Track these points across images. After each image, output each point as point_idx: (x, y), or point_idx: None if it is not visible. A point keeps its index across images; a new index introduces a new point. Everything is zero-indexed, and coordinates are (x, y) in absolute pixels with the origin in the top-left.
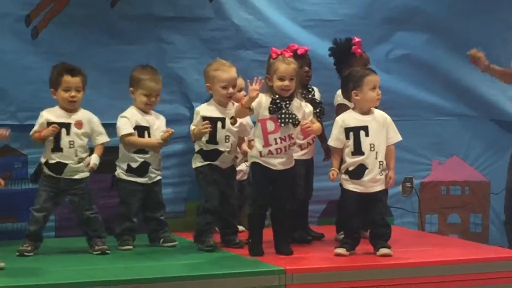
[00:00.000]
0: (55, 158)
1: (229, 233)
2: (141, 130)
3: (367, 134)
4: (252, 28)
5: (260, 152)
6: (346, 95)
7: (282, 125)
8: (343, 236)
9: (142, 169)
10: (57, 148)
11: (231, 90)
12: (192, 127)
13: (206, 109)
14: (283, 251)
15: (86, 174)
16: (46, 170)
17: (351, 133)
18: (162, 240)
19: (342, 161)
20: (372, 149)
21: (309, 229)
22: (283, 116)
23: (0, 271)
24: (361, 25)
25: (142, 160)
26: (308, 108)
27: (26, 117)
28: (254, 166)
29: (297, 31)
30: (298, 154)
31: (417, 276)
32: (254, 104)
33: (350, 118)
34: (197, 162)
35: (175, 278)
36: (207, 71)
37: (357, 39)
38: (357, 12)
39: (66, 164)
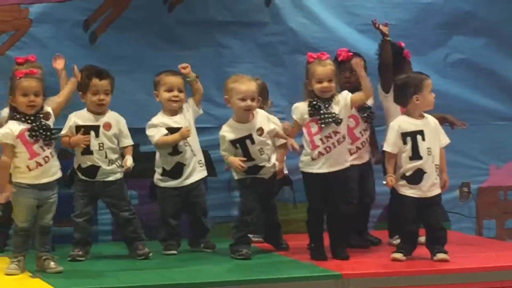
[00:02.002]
0: (87, 162)
1: (275, 236)
2: (174, 131)
3: (423, 139)
4: (308, 33)
5: (311, 157)
6: (403, 100)
7: (323, 125)
8: (398, 240)
9: (176, 171)
10: (87, 151)
11: (249, 102)
12: (223, 153)
13: (230, 132)
14: (339, 255)
15: (119, 175)
16: (79, 174)
17: (408, 138)
18: (202, 245)
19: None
20: (429, 153)
21: (368, 234)
22: (323, 116)
23: (57, 274)
24: (416, 29)
25: (176, 161)
26: (343, 94)
27: None
28: (306, 174)
29: (353, 35)
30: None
31: (475, 282)
32: (297, 116)
33: (405, 123)
34: (239, 174)
35: (233, 282)
36: (225, 84)
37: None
38: (412, 17)
39: (98, 167)
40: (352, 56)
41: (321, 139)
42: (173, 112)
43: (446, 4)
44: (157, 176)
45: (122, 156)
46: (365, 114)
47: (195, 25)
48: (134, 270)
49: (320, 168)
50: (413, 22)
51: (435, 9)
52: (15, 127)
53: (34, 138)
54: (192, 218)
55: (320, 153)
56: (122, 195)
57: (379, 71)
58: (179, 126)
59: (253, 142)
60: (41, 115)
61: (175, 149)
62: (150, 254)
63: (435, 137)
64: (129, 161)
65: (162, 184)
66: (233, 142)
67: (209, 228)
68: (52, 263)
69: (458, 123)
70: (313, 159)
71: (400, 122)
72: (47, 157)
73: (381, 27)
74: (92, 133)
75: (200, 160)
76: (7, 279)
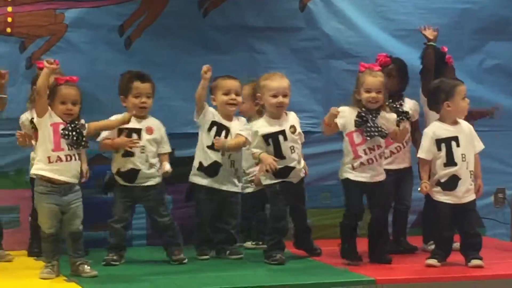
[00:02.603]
0: (127, 165)
1: (307, 240)
2: (220, 128)
3: (458, 145)
4: (343, 38)
5: (352, 165)
6: (435, 106)
7: (368, 138)
8: (432, 246)
9: (213, 169)
10: (128, 154)
11: (281, 98)
12: (254, 150)
13: (263, 127)
14: (381, 260)
15: (159, 180)
16: (119, 180)
17: (443, 144)
18: (228, 252)
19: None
20: (464, 159)
21: (404, 241)
22: (368, 129)
23: (92, 278)
24: (452, 35)
25: (214, 159)
26: (392, 116)
27: None
28: (346, 180)
29: (388, 40)
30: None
31: None
32: (340, 120)
33: (440, 129)
34: (268, 179)
35: (269, 287)
36: (258, 82)
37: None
38: (448, 22)
39: (138, 171)
40: (390, 62)
41: (364, 150)
42: (229, 118)
43: (483, 10)
44: (193, 172)
45: None
46: (398, 118)
47: (229, 31)
48: (169, 274)
49: (361, 176)
50: (450, 27)
51: (472, 14)
52: (55, 115)
53: (66, 136)
54: (220, 225)
55: (362, 164)
56: (162, 200)
57: (421, 75)
58: (228, 126)
59: (285, 138)
60: (77, 122)
61: (213, 145)
62: (185, 261)
63: (469, 143)
64: (167, 166)
65: (202, 183)
66: (266, 137)
67: (235, 238)
68: (86, 268)
69: None
70: (354, 168)
71: (434, 129)
72: (69, 156)
73: (426, 31)
74: (134, 135)
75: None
76: (43, 283)
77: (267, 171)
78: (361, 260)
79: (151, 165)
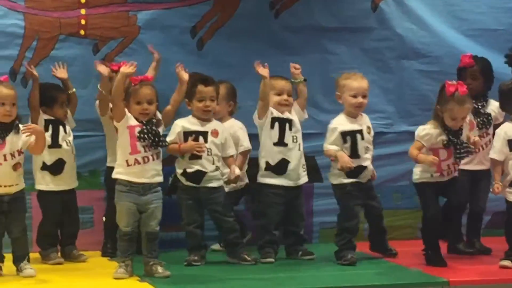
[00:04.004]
0: (193, 166)
1: (382, 240)
2: (283, 122)
3: None
4: (416, 38)
5: (431, 175)
6: (507, 106)
7: (458, 160)
8: None
9: (281, 167)
10: (196, 156)
11: (360, 99)
12: (329, 147)
13: (343, 124)
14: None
15: (221, 182)
16: (183, 180)
17: None
18: (300, 253)
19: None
20: None
21: (476, 242)
22: (458, 150)
23: (165, 279)
24: None
25: (280, 157)
26: (471, 133)
27: None
28: (422, 184)
29: (461, 40)
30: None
31: None
32: (426, 142)
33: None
34: (340, 178)
35: None
36: (337, 80)
37: None
38: None
39: (205, 173)
40: (474, 63)
41: (448, 165)
42: (283, 113)
43: None
44: (260, 173)
45: None
46: (480, 119)
47: (301, 31)
48: (240, 275)
49: (437, 179)
50: None
51: None
52: (131, 118)
53: (142, 139)
54: (289, 228)
55: (442, 174)
56: (226, 201)
57: None
58: (360, 129)
59: (362, 138)
60: (154, 121)
61: (280, 141)
62: (256, 262)
63: None
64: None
65: (267, 182)
66: (345, 134)
67: (305, 237)
68: (160, 268)
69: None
70: (432, 176)
71: (506, 129)
72: (146, 157)
73: None
74: (201, 138)
75: (304, 165)
76: (117, 283)
77: (341, 169)
78: (446, 265)
79: (217, 168)
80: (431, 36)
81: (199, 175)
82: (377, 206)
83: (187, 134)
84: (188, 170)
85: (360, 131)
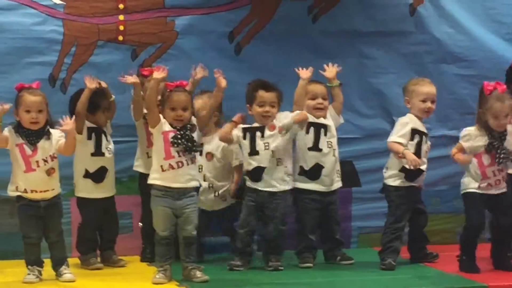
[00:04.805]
0: (252, 163)
1: (422, 247)
2: (318, 126)
3: None
4: (454, 42)
5: (479, 186)
6: None
7: (498, 165)
8: None
9: (315, 172)
10: (254, 152)
11: (429, 104)
12: (398, 139)
13: (414, 121)
14: (504, 266)
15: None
16: (248, 182)
17: None
18: (339, 258)
19: None
20: None
21: None
22: (500, 155)
23: (204, 283)
24: None
25: (314, 161)
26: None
27: None
28: (469, 193)
29: (499, 44)
30: None
31: None
32: (466, 144)
33: None
34: (397, 180)
35: None
36: (406, 86)
37: None
38: None
39: (263, 168)
40: None
41: (493, 172)
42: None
43: None
44: (296, 177)
45: None
46: None
47: (339, 36)
48: (279, 280)
49: (485, 190)
50: None
51: None
52: (165, 123)
53: (176, 145)
54: (326, 233)
55: (489, 185)
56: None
57: None
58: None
59: (426, 141)
60: (188, 127)
61: (315, 146)
62: (281, 268)
63: None
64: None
65: (303, 187)
66: (414, 131)
67: (342, 241)
68: (198, 273)
69: None
70: (480, 187)
71: None
72: (181, 162)
73: None
74: (258, 133)
75: (338, 170)
76: None
77: (403, 169)
78: (479, 272)
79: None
80: (469, 40)
81: (258, 172)
82: (424, 211)
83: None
84: (248, 168)
85: (426, 135)
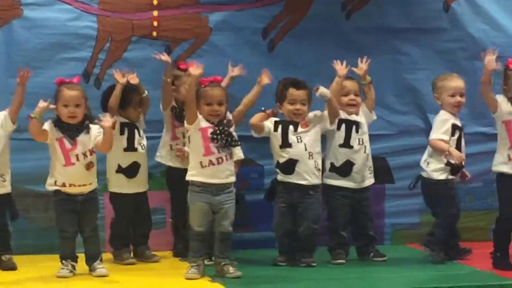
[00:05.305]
0: (284, 155)
1: (454, 244)
2: (349, 124)
3: None
4: (488, 39)
5: (509, 156)
6: None
7: None
8: None
9: (346, 169)
10: (286, 144)
11: (458, 98)
12: (442, 136)
13: (452, 117)
14: None
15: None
16: (280, 176)
17: None
18: (372, 254)
19: None
20: None
21: None
22: None
23: (236, 279)
24: None
25: (345, 158)
26: None
27: None
28: (500, 176)
29: None
30: None
31: None
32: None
33: None
34: (444, 174)
35: None
36: (434, 82)
37: None
38: None
39: (296, 161)
40: None
41: None
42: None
43: None
44: (325, 174)
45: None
46: None
47: (373, 32)
48: (311, 277)
49: None
50: None
51: None
52: (202, 119)
53: (215, 141)
54: (358, 230)
55: None
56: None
57: None
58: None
59: (463, 136)
60: (225, 122)
61: (346, 142)
62: (314, 264)
63: None
64: None
65: (333, 183)
66: (455, 127)
67: (375, 237)
68: (231, 269)
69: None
70: (510, 159)
71: None
72: (220, 158)
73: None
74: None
75: (370, 167)
76: (188, 283)
77: (448, 163)
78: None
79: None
80: (504, 36)
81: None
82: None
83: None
84: (280, 161)
85: (462, 129)
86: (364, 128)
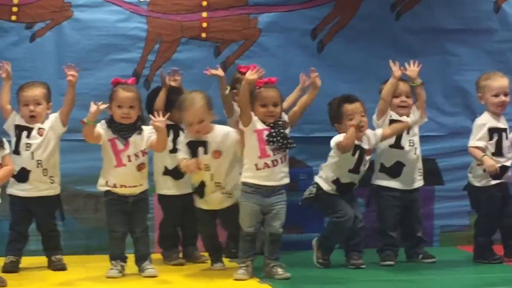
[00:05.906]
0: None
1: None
2: (497, 131)
3: None
4: None
5: None
6: None
7: None
8: None
9: (396, 170)
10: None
11: (502, 98)
12: (477, 143)
13: (490, 120)
14: None
15: None
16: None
17: None
18: (421, 256)
19: None
20: None
21: None
22: None
23: (285, 280)
24: None
25: (396, 159)
26: None
27: (311, 129)
28: None
29: None
30: None
31: None
32: None
33: None
34: (484, 180)
35: None
36: (478, 82)
37: None
38: None
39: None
40: None
41: None
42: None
43: None
44: (377, 176)
45: None
46: None
47: (422, 33)
48: (361, 278)
49: None
50: None
51: None
52: (257, 121)
53: (271, 143)
54: (408, 231)
55: None
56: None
57: None
58: (505, 127)
59: (507, 137)
60: (280, 124)
61: (397, 144)
62: (363, 266)
63: None
64: None
65: (384, 184)
66: (492, 131)
67: (424, 239)
68: (280, 270)
69: None
70: None
71: None
72: (275, 160)
73: None
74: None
75: (420, 169)
76: (237, 284)
77: (489, 173)
78: None
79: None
80: None
81: (349, 186)
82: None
83: None
84: (342, 181)
85: (505, 130)
86: (415, 129)
